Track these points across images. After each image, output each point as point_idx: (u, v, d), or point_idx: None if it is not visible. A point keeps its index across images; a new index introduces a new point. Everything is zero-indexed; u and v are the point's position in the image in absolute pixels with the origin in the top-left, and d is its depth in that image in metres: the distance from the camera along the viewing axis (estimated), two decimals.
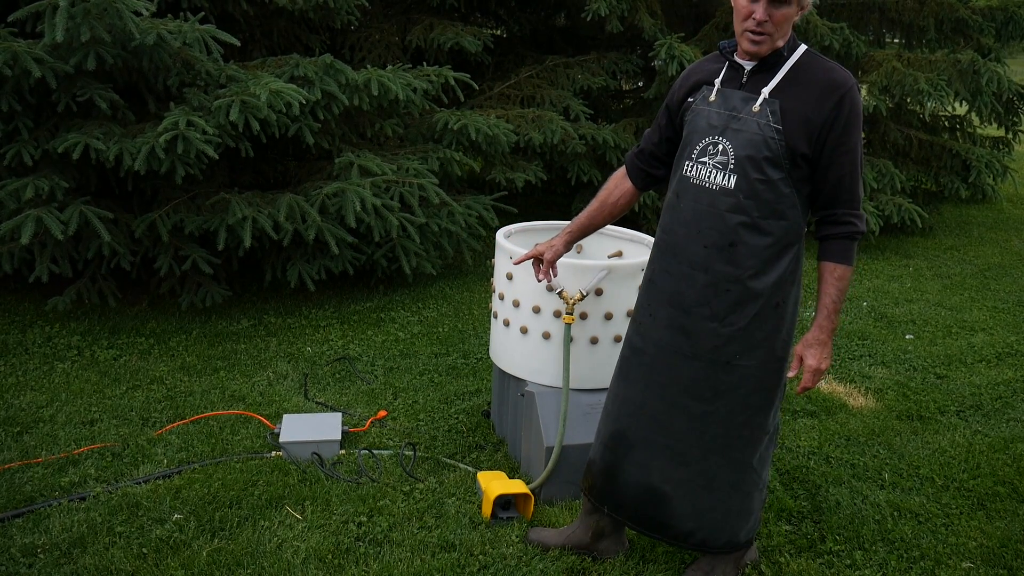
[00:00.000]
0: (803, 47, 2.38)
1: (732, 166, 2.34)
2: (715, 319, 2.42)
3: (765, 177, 2.30)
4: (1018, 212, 9.29)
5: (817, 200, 2.37)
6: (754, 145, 2.31)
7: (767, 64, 2.35)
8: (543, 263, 2.90)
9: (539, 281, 2.97)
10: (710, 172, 2.38)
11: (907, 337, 5.23)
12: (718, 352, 2.43)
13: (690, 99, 2.49)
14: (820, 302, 2.39)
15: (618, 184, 2.79)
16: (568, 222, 2.96)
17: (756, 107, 2.32)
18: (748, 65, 2.38)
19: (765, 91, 2.32)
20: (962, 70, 7.22)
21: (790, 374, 2.46)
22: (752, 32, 2.28)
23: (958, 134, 8.62)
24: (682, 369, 2.49)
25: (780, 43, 2.32)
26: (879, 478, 3.52)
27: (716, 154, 2.37)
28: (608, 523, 2.81)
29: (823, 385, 4.41)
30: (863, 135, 8.14)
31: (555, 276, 2.99)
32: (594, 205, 2.82)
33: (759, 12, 2.25)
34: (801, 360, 2.44)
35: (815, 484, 3.43)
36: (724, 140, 2.36)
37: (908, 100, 7.36)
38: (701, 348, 2.45)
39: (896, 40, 8.86)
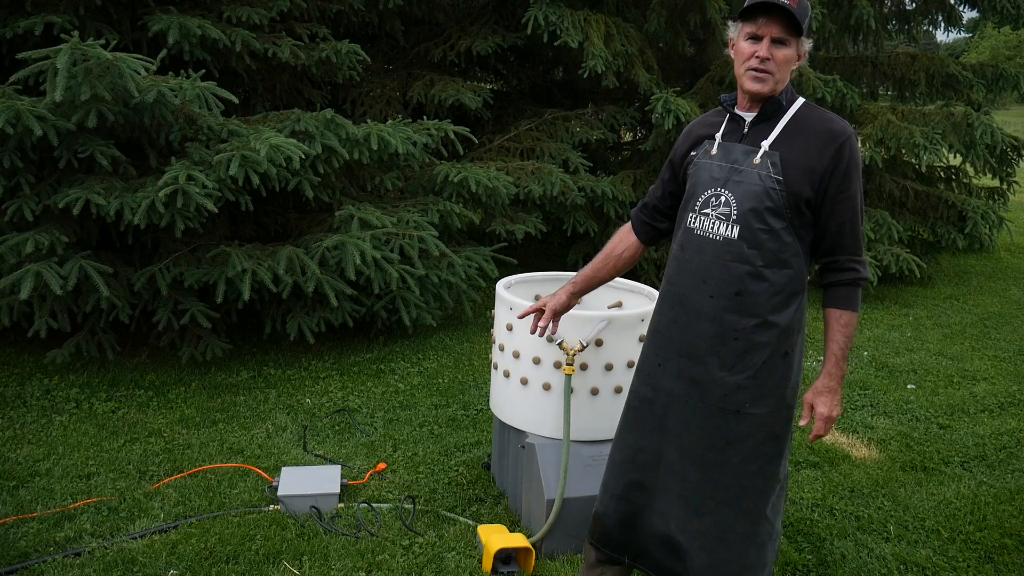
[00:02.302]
0: (801, 99, 2.44)
1: (735, 217, 2.37)
2: (724, 368, 2.42)
3: (768, 227, 2.33)
4: (1016, 261, 9.33)
5: (820, 247, 2.39)
6: (756, 196, 2.34)
7: (765, 116, 2.40)
8: (545, 312, 2.90)
9: (532, 332, 2.94)
10: (713, 223, 2.42)
11: (909, 387, 5.21)
12: (727, 401, 2.43)
13: (693, 153, 2.55)
14: (828, 349, 2.40)
15: (623, 238, 2.82)
16: (569, 272, 2.97)
17: (757, 159, 2.36)
18: (748, 117, 2.42)
19: (765, 143, 2.36)
20: (956, 123, 7.31)
21: (802, 422, 2.45)
22: (755, 70, 2.34)
23: (953, 184, 8.70)
24: (694, 418, 2.49)
25: (779, 88, 2.37)
26: (884, 530, 3.47)
27: (719, 205, 2.41)
28: None
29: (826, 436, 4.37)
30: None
31: (555, 331, 2.99)
32: (599, 258, 2.84)
33: (762, 50, 2.32)
34: (812, 408, 2.44)
35: (820, 537, 3.39)
36: (726, 192, 2.40)
37: (903, 152, 7.44)
38: (711, 397, 2.45)
39: (889, 93, 8.99)
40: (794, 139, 2.35)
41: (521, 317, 3.05)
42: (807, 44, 2.37)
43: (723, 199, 2.40)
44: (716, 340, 2.42)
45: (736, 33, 2.39)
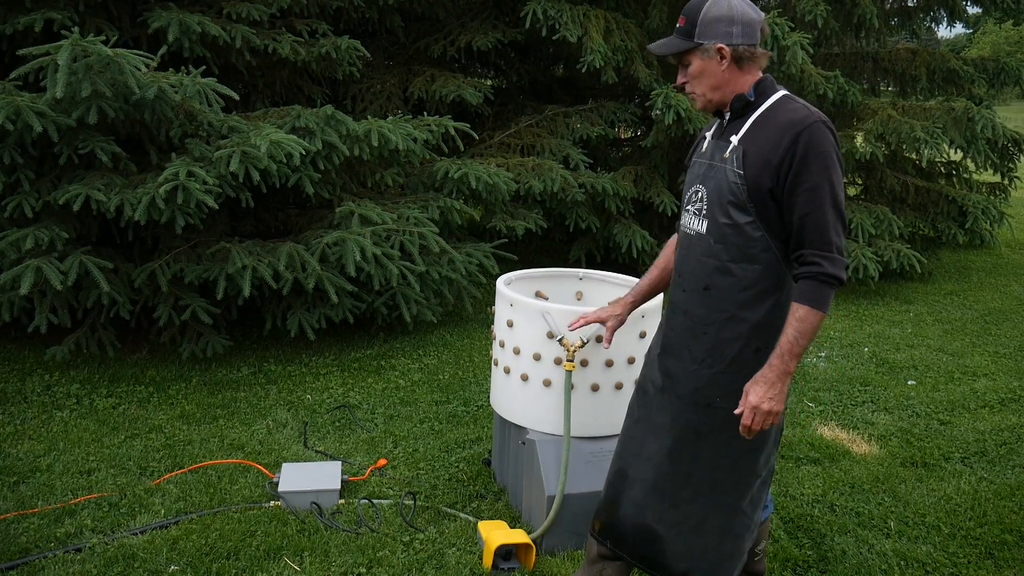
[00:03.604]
0: (780, 94, 2.41)
1: (705, 211, 2.42)
2: (695, 361, 2.45)
3: (731, 221, 2.35)
4: (1016, 257, 9.32)
5: (791, 243, 2.36)
6: (720, 190, 2.38)
7: (737, 113, 2.42)
8: (607, 331, 2.95)
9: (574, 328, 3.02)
10: (691, 219, 2.48)
11: (909, 383, 5.20)
12: (698, 394, 2.45)
13: (694, 156, 2.59)
14: (778, 340, 2.33)
15: (674, 251, 2.85)
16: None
17: (726, 154, 2.39)
18: (727, 116, 2.45)
19: (734, 139, 2.38)
20: (956, 117, 7.30)
21: (736, 411, 2.35)
22: (688, 95, 2.48)
23: (954, 180, 8.68)
24: (670, 410, 2.53)
25: (715, 96, 2.40)
26: (885, 526, 3.47)
27: (696, 201, 2.47)
28: (612, 572, 2.77)
29: (826, 431, 4.37)
30: (859, 181, 8.25)
31: (608, 345, 3.02)
32: (653, 273, 2.89)
33: (678, 78, 2.47)
34: (747, 397, 2.34)
35: (820, 533, 3.39)
36: (702, 187, 2.45)
37: (904, 147, 7.43)
38: (683, 390, 2.48)
39: (890, 89, 8.98)
40: (759, 133, 2.35)
41: (572, 328, 3.05)
42: (712, 43, 2.33)
43: (700, 194, 2.45)
44: (688, 334, 2.46)
45: None
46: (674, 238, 2.87)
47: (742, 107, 2.40)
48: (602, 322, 2.95)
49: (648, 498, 2.58)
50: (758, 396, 2.30)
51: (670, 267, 2.80)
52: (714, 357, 2.41)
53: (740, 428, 2.34)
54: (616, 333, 3.13)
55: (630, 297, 2.93)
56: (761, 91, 2.39)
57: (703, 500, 2.51)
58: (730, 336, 2.39)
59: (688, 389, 2.46)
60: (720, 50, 2.34)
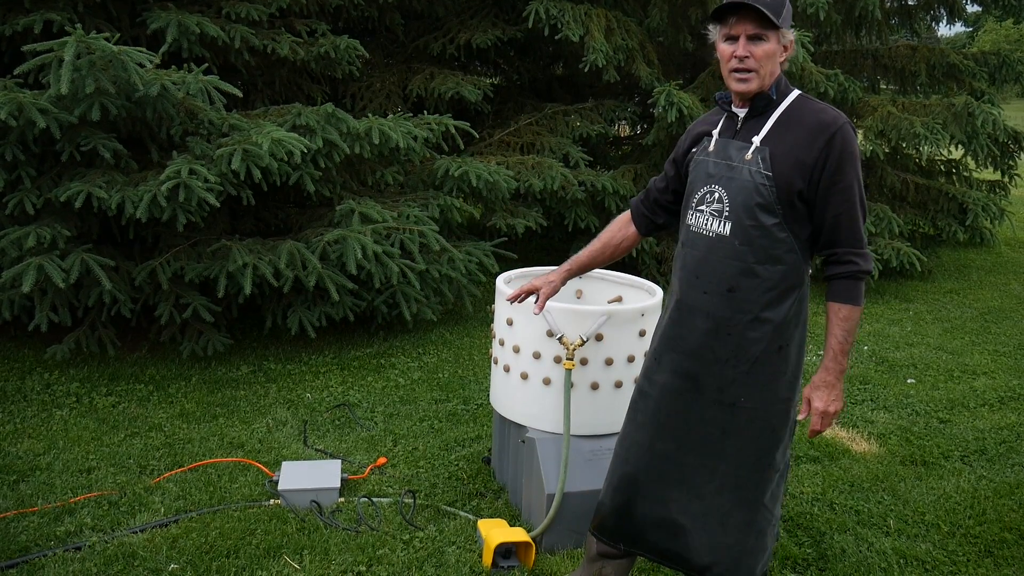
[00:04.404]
0: (795, 92, 2.43)
1: (727, 213, 2.40)
2: (718, 362, 2.45)
3: (758, 223, 2.35)
4: (1016, 255, 9.32)
5: (819, 241, 2.39)
6: (746, 192, 2.36)
7: (757, 111, 2.41)
8: (538, 298, 2.89)
9: (511, 300, 2.97)
10: (707, 220, 2.44)
11: (908, 381, 5.21)
12: (723, 394, 2.46)
13: (693, 150, 2.58)
14: (827, 343, 2.41)
15: (622, 227, 2.85)
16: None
17: (748, 155, 2.37)
18: (741, 113, 2.44)
19: (756, 139, 2.37)
20: (957, 113, 7.29)
21: (800, 417, 2.45)
22: (736, 71, 2.35)
23: (954, 178, 8.68)
24: (689, 411, 2.52)
25: (768, 82, 2.36)
26: (884, 525, 3.48)
27: (712, 202, 2.44)
28: (611, 571, 2.77)
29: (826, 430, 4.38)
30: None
31: (538, 311, 2.99)
32: (596, 246, 2.87)
33: (739, 49, 2.32)
34: (810, 404, 2.44)
35: (820, 531, 3.39)
36: (720, 188, 2.42)
37: (904, 144, 7.42)
38: (706, 390, 2.48)
39: (890, 86, 8.98)
40: (785, 133, 2.35)
41: (511, 299, 3.01)
42: (790, 34, 2.35)
43: (717, 195, 2.43)
44: (710, 335, 2.45)
45: (715, 35, 2.40)
46: (621, 218, 2.86)
47: (763, 106, 2.40)
48: (537, 290, 2.90)
49: (671, 492, 2.58)
50: (823, 401, 2.42)
51: (612, 243, 2.83)
52: (738, 358, 2.42)
53: (809, 433, 2.45)
54: (616, 331, 3.14)
55: (567, 266, 2.90)
56: (780, 91, 2.41)
57: (727, 495, 2.52)
58: (755, 337, 2.40)
59: (712, 389, 2.47)
60: (791, 43, 2.37)
